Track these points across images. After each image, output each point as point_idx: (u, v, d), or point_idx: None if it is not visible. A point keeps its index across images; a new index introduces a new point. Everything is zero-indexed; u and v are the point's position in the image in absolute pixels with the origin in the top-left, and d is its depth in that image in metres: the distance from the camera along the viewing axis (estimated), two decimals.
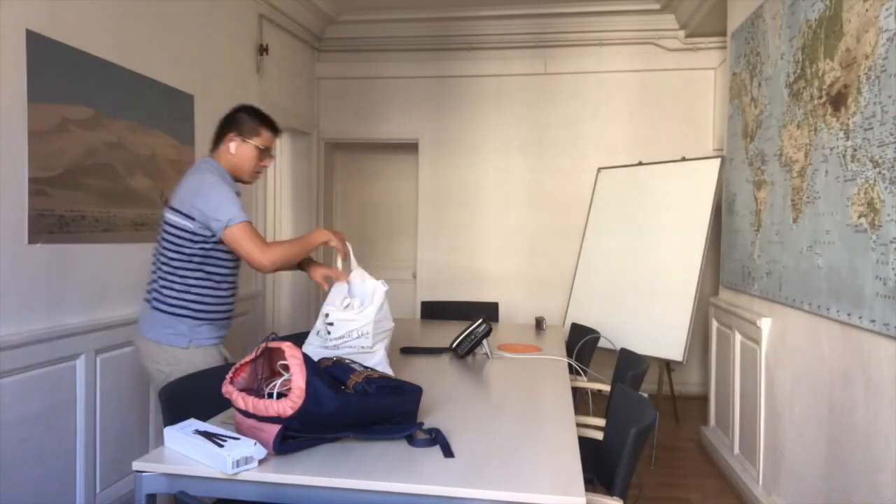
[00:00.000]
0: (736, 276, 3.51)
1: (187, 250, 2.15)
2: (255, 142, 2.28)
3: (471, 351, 2.72)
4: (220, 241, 2.15)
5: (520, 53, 5.32)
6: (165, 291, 2.19)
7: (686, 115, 5.11)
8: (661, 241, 4.22)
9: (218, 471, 1.45)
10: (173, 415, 1.85)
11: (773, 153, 2.98)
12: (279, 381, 1.62)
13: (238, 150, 2.27)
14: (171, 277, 2.18)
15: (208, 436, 1.53)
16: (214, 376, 2.14)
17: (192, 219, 2.12)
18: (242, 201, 2.20)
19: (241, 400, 1.55)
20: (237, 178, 2.32)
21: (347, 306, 2.12)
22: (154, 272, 2.23)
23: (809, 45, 2.60)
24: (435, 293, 5.43)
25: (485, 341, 2.75)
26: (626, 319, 4.22)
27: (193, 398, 1.94)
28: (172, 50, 3.37)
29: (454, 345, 2.75)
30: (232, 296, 2.33)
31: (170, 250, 2.17)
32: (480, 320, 2.74)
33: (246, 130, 2.28)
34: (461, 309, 4.03)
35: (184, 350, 2.19)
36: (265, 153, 2.32)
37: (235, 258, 2.26)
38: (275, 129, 2.35)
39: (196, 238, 2.14)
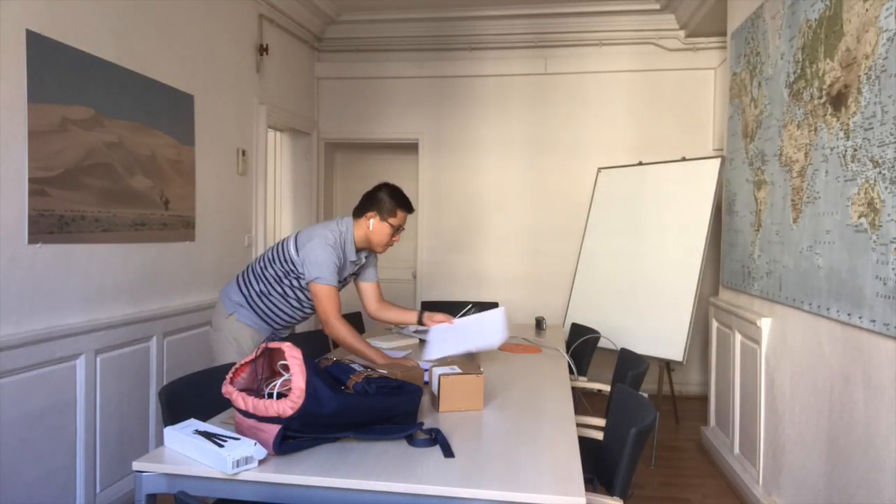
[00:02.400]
0: (736, 276, 3.51)
1: (285, 266, 2.58)
2: (391, 221, 2.61)
3: None
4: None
5: (520, 53, 5.32)
6: (251, 273, 2.66)
7: (686, 115, 5.11)
8: (661, 241, 4.22)
9: (218, 471, 1.46)
10: (173, 415, 1.85)
11: (773, 153, 2.98)
12: (279, 381, 1.62)
13: (375, 227, 2.61)
14: (260, 267, 2.63)
15: (208, 436, 1.53)
16: (215, 376, 2.15)
17: (298, 255, 2.53)
18: (344, 265, 2.60)
19: (241, 400, 1.55)
20: (366, 248, 2.68)
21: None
22: (258, 259, 2.69)
23: (809, 45, 2.60)
24: (435, 293, 5.43)
25: None
26: (626, 319, 4.22)
27: (193, 398, 1.95)
28: (172, 50, 3.37)
29: None
30: (290, 316, 2.69)
31: (276, 257, 2.60)
32: (469, 306, 3.05)
33: (385, 211, 2.60)
34: (461, 309, 4.02)
35: (226, 318, 2.62)
36: (398, 230, 2.66)
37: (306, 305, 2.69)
38: (410, 209, 2.66)
39: (292, 267, 2.56)
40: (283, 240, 2.65)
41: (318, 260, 2.47)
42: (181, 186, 3.46)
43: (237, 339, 2.60)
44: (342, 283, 2.67)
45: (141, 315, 3.09)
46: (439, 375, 1.95)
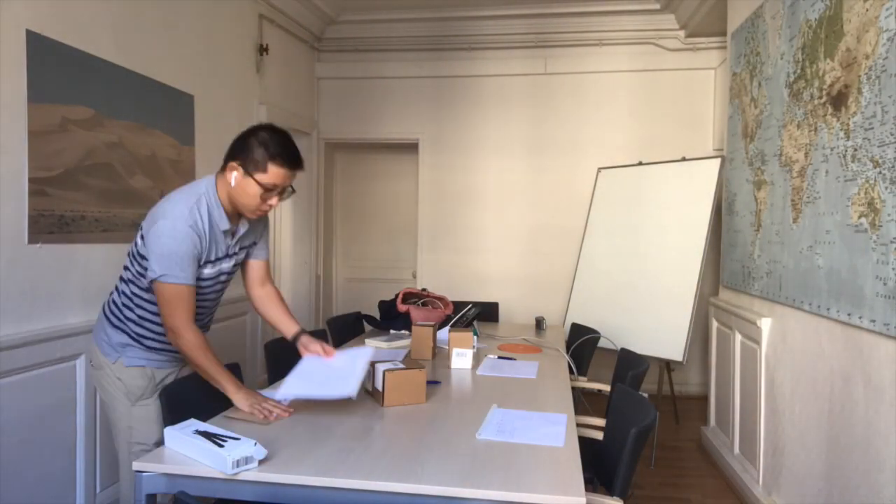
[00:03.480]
0: (736, 275, 3.51)
1: (141, 269, 1.90)
2: (258, 178, 1.86)
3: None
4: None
5: (520, 53, 5.32)
6: (116, 302, 2.00)
7: (686, 115, 5.10)
8: (661, 241, 4.22)
9: (218, 471, 1.46)
10: (173, 415, 1.85)
11: (773, 153, 2.98)
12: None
13: (238, 183, 1.88)
14: (122, 287, 1.99)
15: (208, 436, 1.54)
16: None
17: (143, 257, 1.87)
18: (203, 248, 1.90)
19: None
20: (238, 212, 1.97)
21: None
22: (118, 282, 2.04)
23: (809, 44, 2.60)
24: (435, 293, 5.42)
25: (475, 323, 3.23)
26: (626, 319, 4.22)
27: (194, 398, 1.94)
28: (172, 50, 3.37)
29: (448, 325, 3.18)
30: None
31: (131, 260, 1.95)
32: (470, 305, 3.27)
33: (250, 163, 1.86)
34: (461, 309, 4.02)
35: (111, 366, 1.98)
36: (271, 192, 1.90)
37: (199, 298, 1.98)
38: (291, 164, 1.89)
39: (146, 265, 1.88)
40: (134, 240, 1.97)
41: (163, 250, 1.80)
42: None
43: (121, 378, 1.97)
44: (225, 259, 2.00)
45: None
46: (383, 371, 2.03)
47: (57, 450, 2.60)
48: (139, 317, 1.97)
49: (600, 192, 4.81)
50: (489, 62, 5.35)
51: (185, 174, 3.50)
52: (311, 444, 1.65)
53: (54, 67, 2.56)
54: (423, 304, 3.47)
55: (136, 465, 1.52)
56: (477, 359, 2.72)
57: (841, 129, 2.30)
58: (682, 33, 5.02)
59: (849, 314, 2.20)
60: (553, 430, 1.79)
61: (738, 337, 3.39)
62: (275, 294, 2.24)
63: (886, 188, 1.97)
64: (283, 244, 5.47)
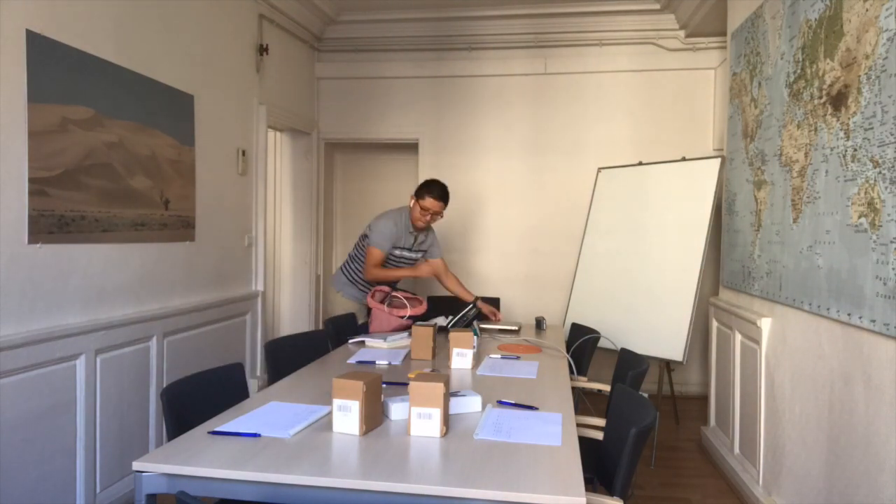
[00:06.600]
0: (736, 275, 3.51)
1: (361, 249, 3.68)
2: (420, 203, 3.56)
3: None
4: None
5: (520, 53, 5.32)
6: (352, 264, 3.75)
7: (686, 115, 5.10)
8: (661, 241, 4.22)
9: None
10: (175, 415, 1.85)
11: (773, 153, 2.98)
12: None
13: (412, 205, 3.61)
14: (355, 254, 3.75)
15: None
16: (216, 377, 2.16)
17: (367, 236, 3.64)
18: (397, 237, 3.61)
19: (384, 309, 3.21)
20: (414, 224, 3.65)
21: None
22: (352, 252, 3.80)
23: (809, 44, 2.60)
24: (435, 293, 5.42)
25: (475, 322, 3.40)
26: (626, 319, 4.22)
27: (195, 398, 1.95)
28: (172, 50, 3.37)
29: (449, 325, 3.35)
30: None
31: (357, 247, 3.74)
32: (471, 304, 3.54)
33: (417, 195, 3.60)
34: (461, 308, 4.02)
35: (337, 294, 3.87)
36: (426, 212, 3.56)
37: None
38: (438, 197, 3.56)
39: (364, 244, 3.67)
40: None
41: (378, 230, 3.57)
42: (181, 186, 3.45)
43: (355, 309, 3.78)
44: (408, 251, 3.68)
45: (141, 315, 3.09)
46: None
47: (57, 450, 2.60)
48: (356, 269, 3.72)
49: (600, 192, 4.81)
50: (489, 62, 5.36)
51: (185, 174, 3.50)
52: (310, 444, 1.65)
53: (54, 67, 2.56)
54: (391, 304, 3.45)
55: (136, 465, 1.52)
56: (477, 359, 2.72)
57: (841, 129, 2.30)
58: (682, 33, 5.02)
59: (849, 314, 2.20)
60: (550, 430, 1.79)
61: (738, 337, 3.39)
62: (454, 279, 3.87)
63: (886, 188, 1.97)
64: (283, 244, 5.48)
